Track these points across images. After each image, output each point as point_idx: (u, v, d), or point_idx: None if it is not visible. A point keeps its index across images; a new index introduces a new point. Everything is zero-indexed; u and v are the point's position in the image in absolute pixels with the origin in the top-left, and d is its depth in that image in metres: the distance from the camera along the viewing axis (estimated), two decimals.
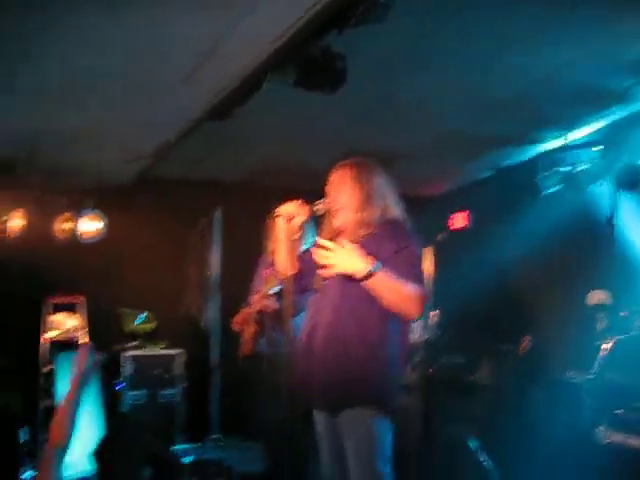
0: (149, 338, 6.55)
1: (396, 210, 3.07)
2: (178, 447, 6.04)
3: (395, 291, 2.80)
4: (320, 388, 3.01)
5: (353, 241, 2.87)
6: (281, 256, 3.11)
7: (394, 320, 2.92)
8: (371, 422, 2.92)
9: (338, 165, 3.14)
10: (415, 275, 2.85)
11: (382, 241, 2.93)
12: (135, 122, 4.62)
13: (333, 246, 2.82)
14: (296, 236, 3.00)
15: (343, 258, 2.79)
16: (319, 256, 2.87)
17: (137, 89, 3.94)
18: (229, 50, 3.27)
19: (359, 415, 2.92)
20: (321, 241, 2.89)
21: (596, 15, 3.71)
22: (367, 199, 3.00)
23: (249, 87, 3.81)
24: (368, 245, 2.88)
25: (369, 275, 2.77)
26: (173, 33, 3.24)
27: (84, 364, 2.89)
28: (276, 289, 4.93)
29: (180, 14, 3.05)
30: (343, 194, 3.04)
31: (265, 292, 5.01)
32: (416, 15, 3.51)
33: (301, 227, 3.07)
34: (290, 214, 2.96)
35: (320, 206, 2.99)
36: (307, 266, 3.18)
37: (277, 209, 2.97)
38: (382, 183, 3.08)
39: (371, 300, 2.86)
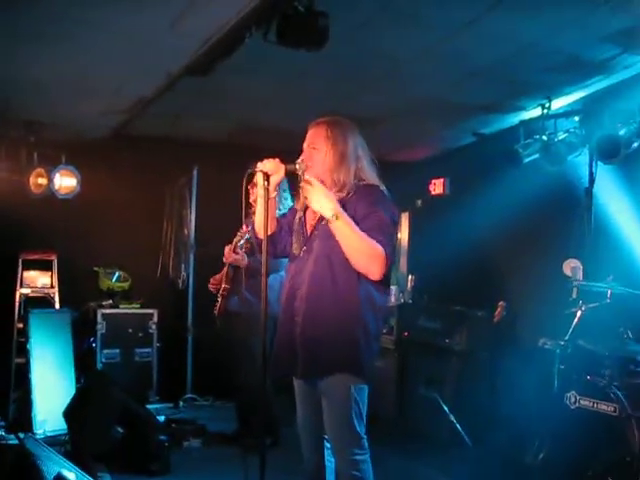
0: (124, 297, 6.52)
1: (370, 173, 3.05)
2: (152, 406, 6.06)
3: (357, 242, 2.81)
4: (299, 356, 3.05)
5: None
6: (258, 215, 3.09)
7: (372, 287, 2.94)
8: (349, 387, 2.96)
9: (315, 122, 3.11)
10: (382, 239, 2.84)
11: (355, 205, 2.92)
12: (113, 75, 4.53)
13: (315, 183, 2.84)
14: (272, 194, 2.97)
15: (319, 195, 2.82)
16: (303, 190, 2.89)
17: (117, 40, 3.85)
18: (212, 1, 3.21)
19: (338, 381, 2.95)
20: (307, 177, 2.88)
21: None
22: (341, 159, 2.99)
23: (231, 41, 3.75)
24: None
25: (336, 217, 2.79)
26: None
27: None
28: (243, 241, 4.88)
29: None
30: (318, 152, 3.02)
31: (234, 245, 4.98)
32: None
33: (277, 185, 3.04)
34: (267, 171, 2.93)
35: (297, 165, 2.97)
36: (284, 229, 3.18)
37: (255, 165, 2.93)
38: (357, 144, 3.06)
39: (348, 268, 2.88)
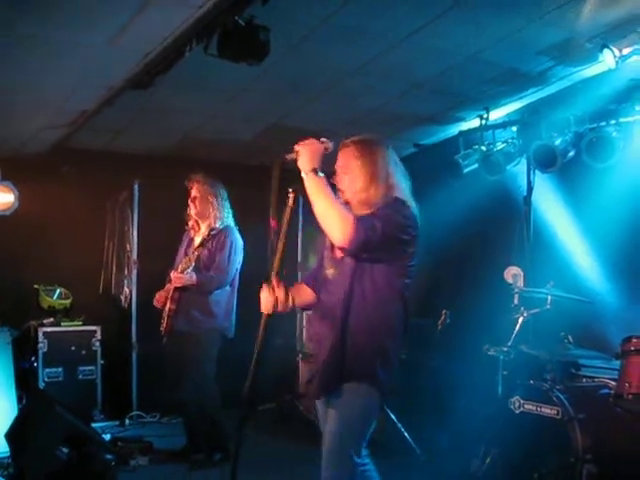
0: (66, 314, 6.39)
1: (400, 189, 3.05)
2: (98, 424, 5.94)
3: (327, 201, 2.83)
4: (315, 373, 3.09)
5: None
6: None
7: (392, 298, 2.99)
8: (360, 396, 2.97)
9: (343, 143, 3.12)
10: (366, 218, 2.85)
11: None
12: (54, 90, 4.45)
13: (307, 142, 2.91)
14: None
15: (305, 152, 2.88)
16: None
17: (57, 53, 3.78)
18: (153, 15, 3.19)
19: (351, 388, 2.95)
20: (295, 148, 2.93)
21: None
22: (371, 180, 3.00)
23: (171, 55, 3.74)
24: None
25: (311, 172, 2.84)
26: None
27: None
28: (190, 269, 4.93)
29: None
30: (348, 174, 3.04)
31: (182, 270, 4.99)
32: None
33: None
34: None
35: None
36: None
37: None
38: (387, 161, 3.08)
39: (369, 276, 2.93)
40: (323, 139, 2.96)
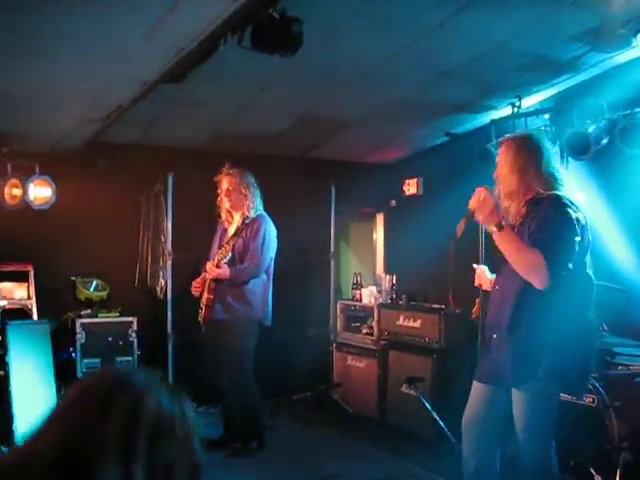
0: (102, 306, 6.49)
1: (547, 182, 3.20)
2: None
3: (517, 253, 3.07)
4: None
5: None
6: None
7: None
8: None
9: (500, 140, 3.48)
10: (543, 243, 3.00)
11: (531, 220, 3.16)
12: (89, 86, 4.51)
13: (480, 199, 3.13)
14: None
15: (481, 210, 3.11)
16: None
17: (92, 51, 3.84)
18: (188, 10, 3.23)
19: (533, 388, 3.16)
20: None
21: None
22: (514, 173, 3.23)
23: (206, 48, 3.78)
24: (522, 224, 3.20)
25: (496, 227, 3.08)
26: None
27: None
28: (226, 259, 5.00)
29: None
30: (500, 169, 3.31)
31: (217, 261, 5.05)
32: None
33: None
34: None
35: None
36: None
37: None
38: (532, 156, 3.24)
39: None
40: (486, 192, 3.14)
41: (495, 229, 3.07)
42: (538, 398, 3.16)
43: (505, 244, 3.09)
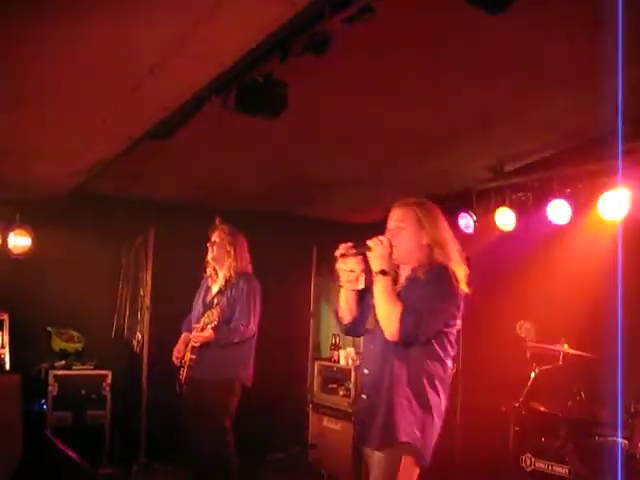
0: (77, 358, 6.40)
1: (447, 254, 3.12)
2: (105, 470, 5.90)
3: (390, 305, 2.99)
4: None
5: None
6: (343, 301, 3.32)
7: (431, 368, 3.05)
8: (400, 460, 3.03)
9: (402, 202, 3.27)
10: (412, 304, 2.96)
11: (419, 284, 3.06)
12: (74, 141, 4.53)
13: (379, 242, 3.07)
14: (359, 286, 3.24)
15: (376, 251, 3.05)
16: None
17: (79, 104, 3.87)
18: (175, 68, 3.27)
19: (392, 452, 3.03)
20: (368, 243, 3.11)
21: None
22: (428, 242, 3.13)
23: (191, 108, 3.82)
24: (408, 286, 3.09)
25: (380, 273, 3.02)
26: (122, 47, 3.20)
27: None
28: (212, 325, 4.93)
29: (131, 26, 3.01)
30: (406, 232, 3.16)
31: (205, 324, 4.99)
32: (360, 51, 3.60)
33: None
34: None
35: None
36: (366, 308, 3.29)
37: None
38: (444, 227, 3.20)
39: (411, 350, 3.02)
40: (386, 241, 3.11)
41: (380, 275, 3.03)
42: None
43: (384, 293, 3.03)
